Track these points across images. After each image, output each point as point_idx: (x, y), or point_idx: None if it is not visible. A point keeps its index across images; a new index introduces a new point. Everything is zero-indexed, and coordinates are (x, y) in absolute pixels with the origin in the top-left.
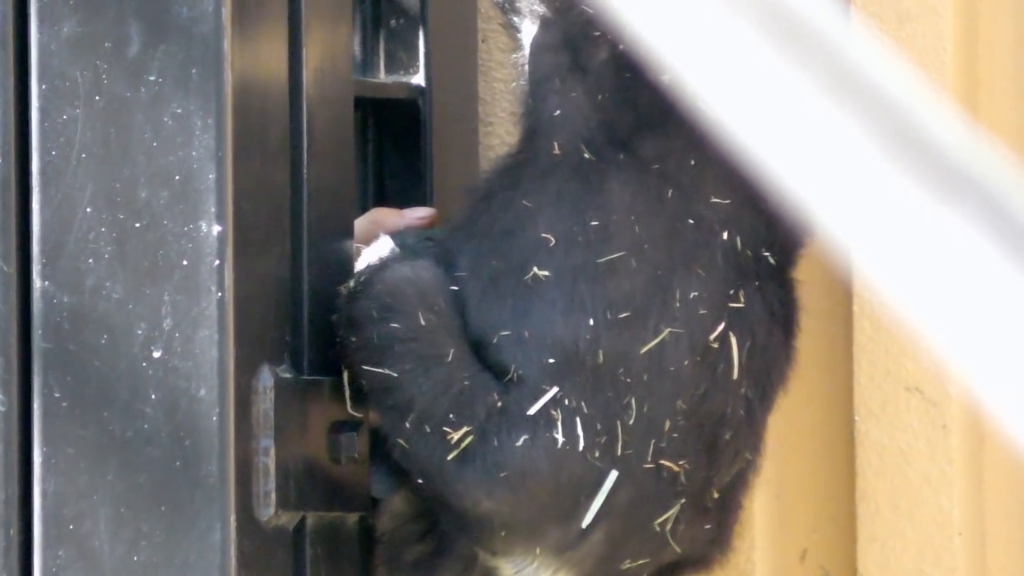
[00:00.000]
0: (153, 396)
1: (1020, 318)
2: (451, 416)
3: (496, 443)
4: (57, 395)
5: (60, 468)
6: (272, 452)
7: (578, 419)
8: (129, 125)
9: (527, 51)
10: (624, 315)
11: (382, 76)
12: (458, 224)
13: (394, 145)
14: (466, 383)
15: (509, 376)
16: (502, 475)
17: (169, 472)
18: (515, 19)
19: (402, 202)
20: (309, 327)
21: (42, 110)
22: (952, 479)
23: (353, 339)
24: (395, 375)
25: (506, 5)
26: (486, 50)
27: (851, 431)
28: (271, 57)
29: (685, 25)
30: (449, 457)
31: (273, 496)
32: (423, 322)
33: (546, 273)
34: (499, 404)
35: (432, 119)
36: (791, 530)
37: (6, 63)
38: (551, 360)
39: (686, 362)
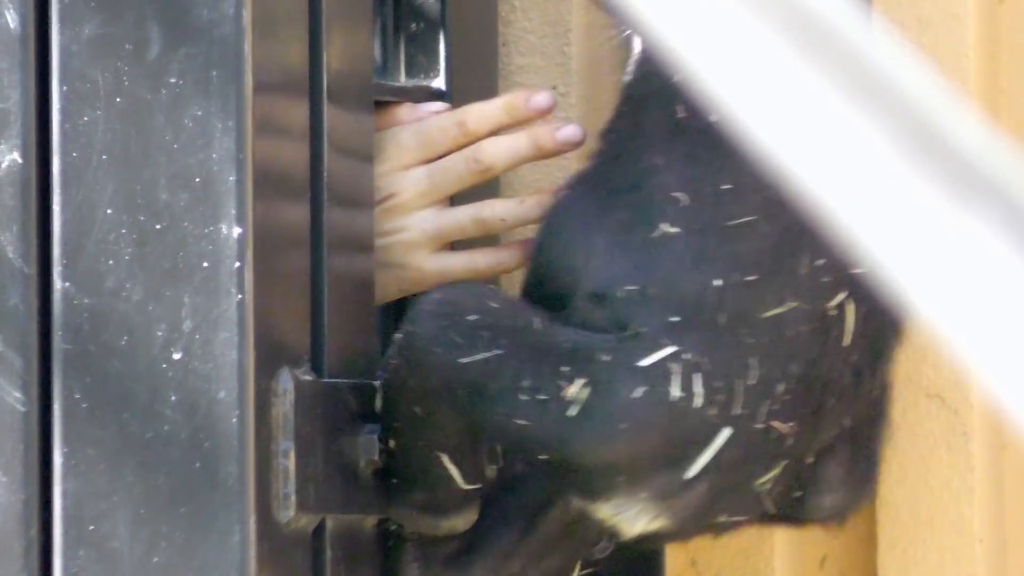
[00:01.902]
0: (173, 398)
1: None
2: (563, 370)
3: (611, 395)
4: (77, 396)
5: (80, 469)
6: (292, 455)
7: (697, 376)
8: (149, 127)
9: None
10: (752, 278)
11: (402, 80)
12: (581, 178)
13: None
14: (566, 341)
15: (628, 331)
16: (620, 426)
17: (188, 474)
18: None
19: None
20: (329, 330)
21: (63, 111)
22: (973, 486)
23: (435, 352)
24: (498, 352)
25: None
26: (506, 54)
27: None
28: (291, 60)
29: (712, 32)
30: (570, 413)
31: (292, 498)
32: (495, 305)
33: (676, 230)
34: (609, 358)
35: None
36: (810, 537)
37: (27, 64)
38: (674, 318)
39: (804, 328)
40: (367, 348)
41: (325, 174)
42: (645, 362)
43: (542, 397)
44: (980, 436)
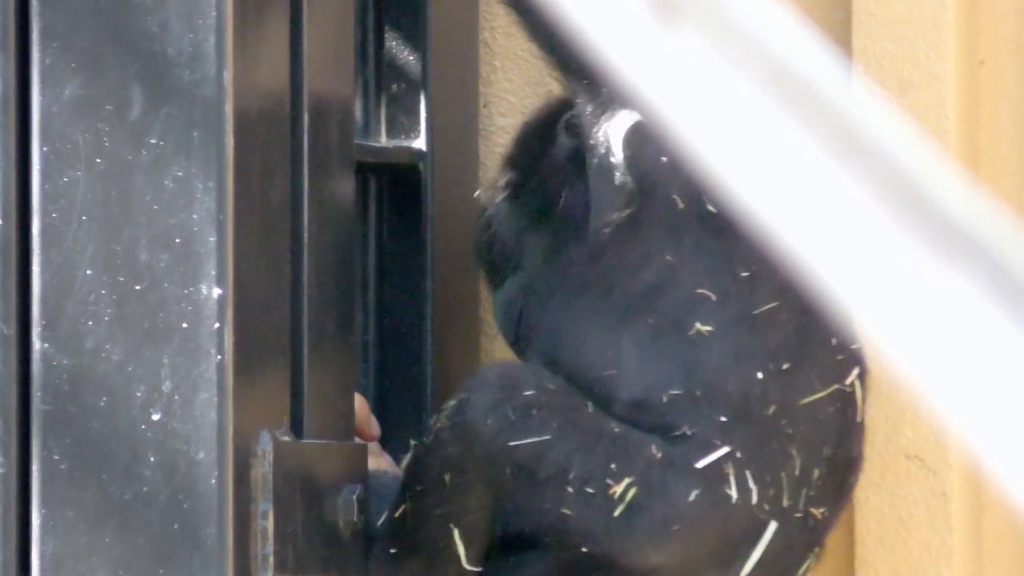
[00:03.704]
0: (152, 459)
1: (1022, 385)
2: (612, 467)
3: (664, 496)
4: (56, 457)
5: (59, 530)
6: (271, 515)
7: (748, 472)
8: (130, 188)
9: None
10: (786, 366)
11: (383, 140)
12: (578, 286)
13: (395, 209)
14: (617, 432)
15: (678, 432)
16: (674, 528)
17: (168, 535)
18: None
19: (403, 265)
20: (308, 391)
21: (43, 172)
22: (952, 548)
23: (487, 424)
24: (547, 437)
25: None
26: (487, 115)
27: (851, 498)
28: (273, 120)
29: (697, 92)
30: (616, 513)
31: (271, 560)
32: (551, 386)
33: (709, 328)
34: (659, 456)
35: (433, 184)
36: None
37: (7, 124)
38: (723, 418)
39: (831, 409)
40: (347, 409)
41: (306, 235)
42: (701, 464)
43: (589, 491)
44: (959, 497)
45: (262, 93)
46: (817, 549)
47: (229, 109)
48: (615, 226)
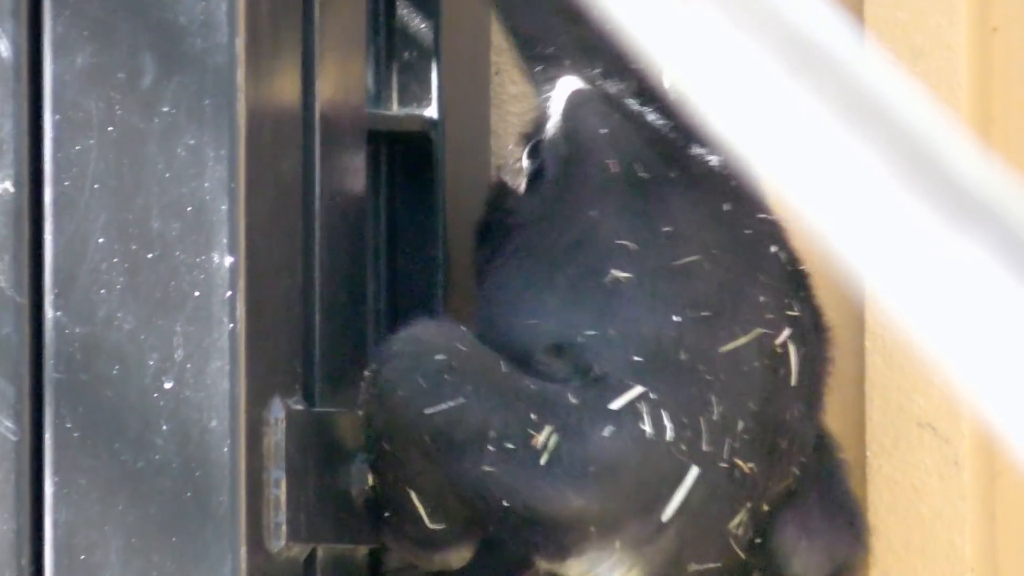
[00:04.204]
0: (164, 427)
1: None
2: (532, 418)
3: (581, 439)
4: (69, 425)
5: (71, 498)
6: (283, 484)
7: (664, 412)
8: (142, 156)
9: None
10: (705, 314)
11: (395, 109)
12: (509, 250)
13: (407, 177)
14: (532, 388)
15: (591, 375)
16: (591, 470)
17: (180, 503)
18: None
19: (415, 233)
20: (320, 359)
21: (55, 140)
22: (964, 515)
23: (399, 395)
24: (461, 400)
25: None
26: (499, 83)
27: (863, 467)
28: (284, 89)
29: (710, 59)
30: (542, 461)
31: (284, 528)
32: (464, 348)
33: (626, 275)
34: (576, 402)
35: (445, 152)
36: None
37: (20, 93)
38: (636, 358)
39: (757, 364)
40: (358, 377)
41: (317, 203)
42: (615, 404)
43: (510, 446)
44: (972, 465)
45: (274, 62)
46: (751, 506)
47: (241, 77)
48: (551, 191)
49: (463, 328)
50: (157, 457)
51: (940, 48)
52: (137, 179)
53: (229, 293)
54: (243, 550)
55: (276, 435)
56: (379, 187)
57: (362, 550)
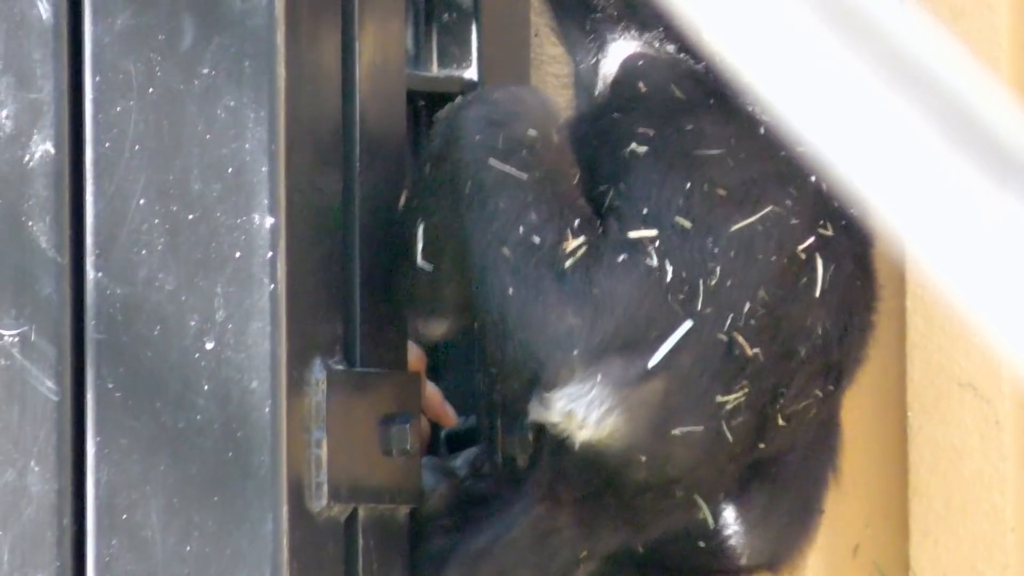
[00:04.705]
0: (205, 387)
1: None
2: (575, 224)
3: (598, 260)
4: (110, 386)
5: (113, 458)
6: (324, 444)
7: (668, 261)
8: (182, 117)
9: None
10: (720, 192)
11: (434, 70)
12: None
13: None
14: (582, 202)
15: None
16: (594, 291)
17: (221, 463)
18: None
19: None
20: (361, 320)
21: (96, 102)
22: (1005, 475)
23: (475, 136)
24: (523, 176)
25: None
26: (538, 44)
27: (904, 427)
28: (324, 51)
29: (753, 21)
30: (566, 265)
31: (325, 488)
32: (555, 138)
33: (644, 149)
34: (601, 228)
35: None
36: (844, 525)
37: (60, 55)
38: (646, 211)
39: (773, 258)
40: (398, 338)
41: (357, 164)
42: (633, 234)
43: (536, 240)
44: (1013, 425)
45: (313, 23)
46: (751, 392)
47: (280, 39)
48: (588, 110)
49: (563, 125)
50: (198, 417)
51: (980, 7)
52: (177, 140)
53: (270, 254)
54: (284, 510)
55: (317, 395)
56: (418, 149)
57: (403, 510)
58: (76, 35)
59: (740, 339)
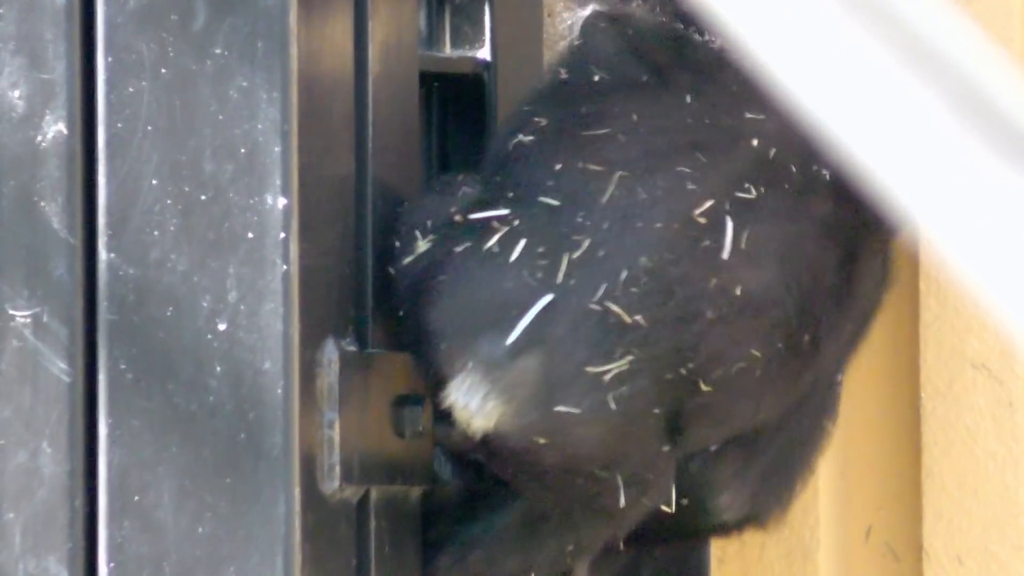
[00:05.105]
0: (218, 369)
1: None
2: (427, 224)
3: (443, 250)
4: (122, 367)
5: (125, 440)
6: (337, 425)
7: (522, 240)
8: (195, 98)
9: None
10: (594, 167)
11: (447, 51)
12: None
13: (458, 120)
14: (435, 199)
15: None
16: (440, 279)
17: (233, 445)
18: None
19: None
20: (374, 301)
21: (108, 83)
22: (1018, 457)
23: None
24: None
25: None
26: (552, 24)
27: (917, 408)
28: (336, 31)
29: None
30: (413, 265)
31: (337, 469)
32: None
33: (530, 138)
34: (457, 218)
35: (497, 94)
36: (856, 507)
37: (72, 36)
38: (510, 194)
39: (658, 225)
40: None
41: (370, 145)
42: (474, 215)
43: (397, 245)
44: None
45: (325, 3)
46: (637, 360)
47: (293, 19)
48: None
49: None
50: (211, 399)
51: None
52: (190, 121)
53: (282, 235)
54: (296, 491)
55: (329, 376)
56: (431, 129)
57: (415, 491)
58: (88, 15)
59: (614, 307)
